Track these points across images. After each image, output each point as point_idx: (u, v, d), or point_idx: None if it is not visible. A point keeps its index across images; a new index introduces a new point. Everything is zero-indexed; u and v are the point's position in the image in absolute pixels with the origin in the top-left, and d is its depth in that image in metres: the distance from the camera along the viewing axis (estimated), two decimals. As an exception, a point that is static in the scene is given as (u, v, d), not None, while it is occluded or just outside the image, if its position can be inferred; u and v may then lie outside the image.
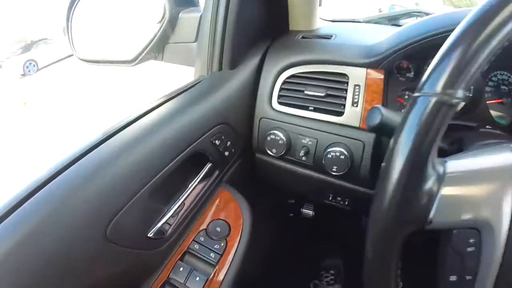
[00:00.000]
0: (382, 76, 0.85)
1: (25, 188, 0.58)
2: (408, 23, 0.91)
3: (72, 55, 1.21)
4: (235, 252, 0.80)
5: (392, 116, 0.64)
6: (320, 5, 1.13)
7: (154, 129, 0.73)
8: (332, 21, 1.28)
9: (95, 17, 1.19)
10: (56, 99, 9.22)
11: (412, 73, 0.87)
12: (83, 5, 1.14)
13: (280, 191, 1.23)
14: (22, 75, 13.30)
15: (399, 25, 1.14)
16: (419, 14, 1.31)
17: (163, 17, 1.03)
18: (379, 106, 0.65)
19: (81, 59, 1.18)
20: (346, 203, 1.04)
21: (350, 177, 0.90)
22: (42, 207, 0.56)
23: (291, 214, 1.54)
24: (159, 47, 1.11)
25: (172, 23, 1.06)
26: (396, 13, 1.34)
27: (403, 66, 0.87)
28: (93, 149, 0.66)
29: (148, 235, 0.71)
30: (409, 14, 1.31)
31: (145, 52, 1.08)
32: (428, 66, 0.43)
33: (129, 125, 0.73)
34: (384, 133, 0.70)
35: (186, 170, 0.81)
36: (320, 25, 1.18)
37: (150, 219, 0.73)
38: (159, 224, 0.73)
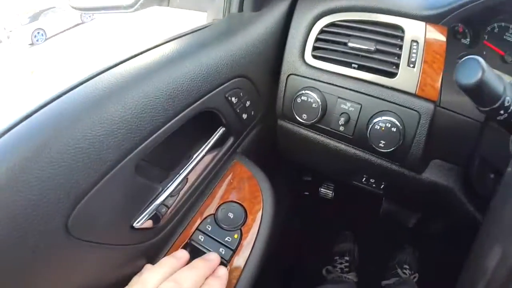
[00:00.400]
0: (445, 34, 0.66)
1: None
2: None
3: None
4: (253, 247, 0.58)
5: (493, 75, 0.46)
6: None
7: (148, 74, 0.49)
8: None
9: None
10: (64, 67, 8.98)
11: (468, 39, 0.71)
12: None
13: (298, 166, 1.01)
14: (30, 44, 12.90)
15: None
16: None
17: None
18: (478, 57, 0.46)
19: (74, 7, 0.97)
20: (382, 186, 0.84)
21: (396, 156, 0.70)
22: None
23: (306, 193, 1.33)
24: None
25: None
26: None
27: (458, 30, 0.71)
28: (63, 95, 0.44)
29: (134, 225, 0.49)
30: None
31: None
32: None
33: (115, 67, 0.50)
34: (476, 97, 0.50)
35: (191, 134, 0.58)
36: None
37: (137, 202, 0.50)
38: (151, 209, 0.51)
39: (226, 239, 0.58)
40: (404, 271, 1.35)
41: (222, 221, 0.60)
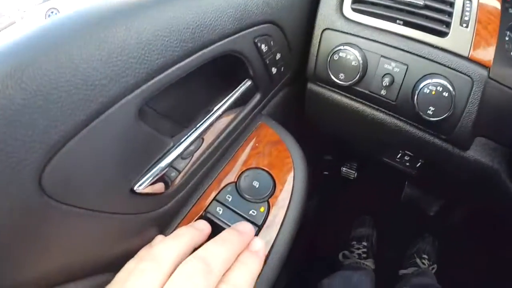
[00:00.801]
0: None
1: None
2: None
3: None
4: (282, 223, 0.47)
5: None
6: None
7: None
8: None
9: None
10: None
11: None
12: None
13: (324, 139, 0.90)
14: (44, 24, 12.68)
15: None
16: None
17: None
18: None
19: None
20: (418, 165, 0.74)
21: (444, 127, 0.59)
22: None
23: (326, 173, 1.22)
24: None
25: None
26: None
27: None
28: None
29: (135, 189, 0.38)
30: None
31: None
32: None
33: None
34: None
35: (212, 85, 0.48)
36: None
37: (140, 159, 0.38)
38: (157, 169, 0.39)
39: (251, 212, 0.47)
40: (423, 261, 1.27)
41: (245, 190, 0.49)
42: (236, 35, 0.45)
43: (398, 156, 0.75)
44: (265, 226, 0.46)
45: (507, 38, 0.59)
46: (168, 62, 0.36)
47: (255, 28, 0.49)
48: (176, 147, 0.41)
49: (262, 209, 0.47)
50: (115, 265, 0.38)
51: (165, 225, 0.46)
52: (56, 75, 0.27)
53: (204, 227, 0.42)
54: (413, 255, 1.30)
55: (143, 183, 0.38)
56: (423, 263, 1.26)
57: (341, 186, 1.35)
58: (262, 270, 0.43)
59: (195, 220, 0.46)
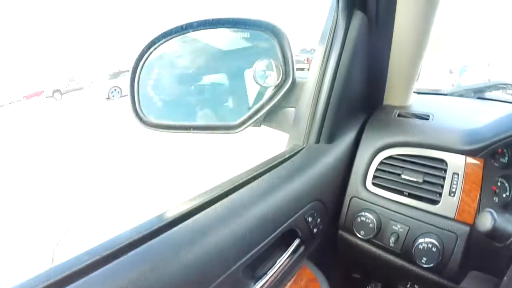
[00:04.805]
0: (481, 166, 0.78)
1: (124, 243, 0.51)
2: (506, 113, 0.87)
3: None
4: None
5: (505, 222, 0.60)
6: (417, 80, 1.02)
7: (249, 205, 0.65)
8: (418, 93, 1.18)
9: (181, 71, 1.03)
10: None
11: (506, 158, 0.80)
12: (165, 54, 0.95)
13: (348, 265, 1.10)
14: (106, 98, 14.48)
15: (485, 98, 1.14)
16: (505, 86, 1.15)
17: (281, 79, 0.90)
18: (491, 210, 0.62)
19: (150, 126, 0.94)
20: None
21: (436, 269, 0.79)
22: (140, 263, 0.48)
23: None
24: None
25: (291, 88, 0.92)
26: (481, 85, 1.16)
27: (498, 151, 0.80)
28: (192, 216, 0.59)
29: None
30: (495, 87, 1.15)
31: (254, 118, 0.93)
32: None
33: (223, 198, 0.65)
34: (495, 239, 0.63)
35: (276, 246, 0.71)
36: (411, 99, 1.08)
37: None
38: None
39: None
40: None
41: None
42: (294, 217, 0.72)
43: (408, 285, 0.95)
44: None
45: (499, 184, 0.77)
46: (258, 243, 0.64)
47: (305, 208, 0.75)
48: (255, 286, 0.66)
49: None
50: None
51: None
52: (208, 253, 0.55)
53: None
54: None
55: None
56: None
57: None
58: None
59: None
